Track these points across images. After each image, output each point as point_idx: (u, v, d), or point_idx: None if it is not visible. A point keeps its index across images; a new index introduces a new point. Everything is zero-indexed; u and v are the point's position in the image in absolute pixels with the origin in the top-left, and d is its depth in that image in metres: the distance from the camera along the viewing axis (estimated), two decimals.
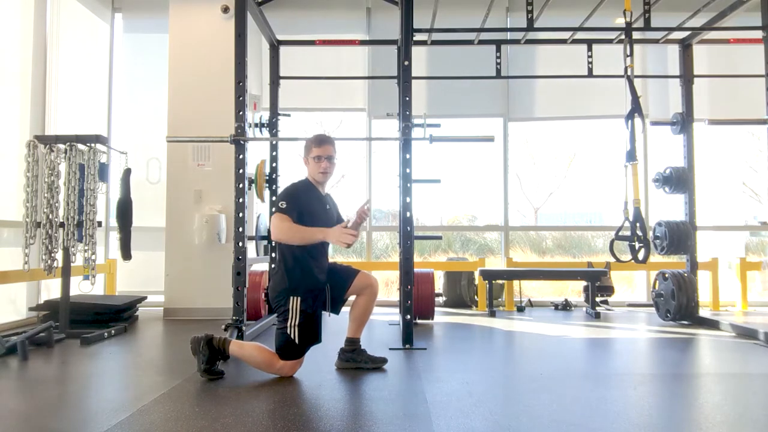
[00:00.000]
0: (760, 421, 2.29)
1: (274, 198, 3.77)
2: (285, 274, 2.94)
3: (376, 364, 3.13)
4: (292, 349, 2.90)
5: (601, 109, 6.27)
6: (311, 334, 2.93)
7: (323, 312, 3.04)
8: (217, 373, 2.91)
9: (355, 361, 3.12)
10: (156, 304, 5.41)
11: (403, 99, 3.90)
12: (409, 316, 3.72)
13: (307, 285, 2.93)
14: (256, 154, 4.81)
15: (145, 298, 5.19)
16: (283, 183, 5.10)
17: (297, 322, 2.87)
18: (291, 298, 2.89)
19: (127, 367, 3.31)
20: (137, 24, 6.15)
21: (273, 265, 3.03)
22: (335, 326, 4.74)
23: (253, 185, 4.56)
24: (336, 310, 3.09)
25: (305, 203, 2.97)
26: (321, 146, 3.05)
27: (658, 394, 2.70)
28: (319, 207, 3.05)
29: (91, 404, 2.57)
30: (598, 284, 5.50)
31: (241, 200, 3.81)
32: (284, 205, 2.89)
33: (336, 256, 7.31)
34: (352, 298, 3.17)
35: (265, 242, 4.80)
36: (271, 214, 2.93)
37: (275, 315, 3.05)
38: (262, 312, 4.78)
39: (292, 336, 2.87)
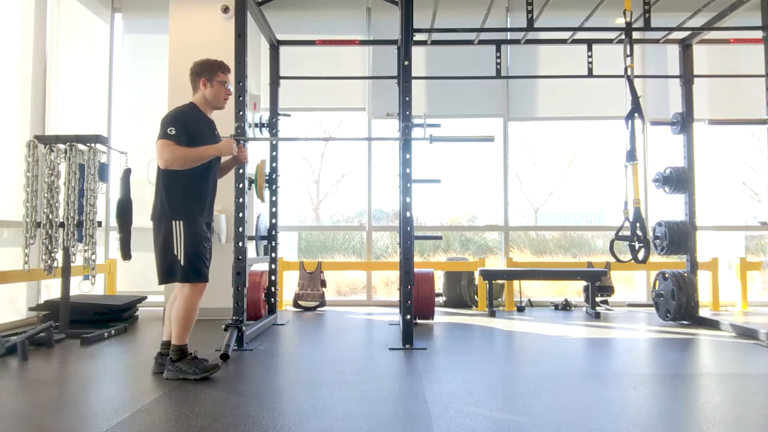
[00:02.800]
0: (760, 421, 2.29)
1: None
2: (165, 199, 2.82)
3: (192, 374, 2.85)
4: (183, 270, 2.80)
5: (601, 109, 6.27)
6: (200, 257, 2.83)
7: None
8: (210, 367, 2.89)
9: (168, 369, 2.87)
10: (156, 304, 5.41)
11: (403, 99, 3.90)
12: (409, 316, 3.72)
13: (190, 210, 2.85)
14: (256, 154, 4.80)
15: (145, 298, 5.19)
16: (284, 183, 5.11)
17: (183, 243, 2.78)
18: (174, 222, 2.80)
19: (127, 367, 3.31)
20: (137, 24, 6.15)
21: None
22: (336, 326, 4.75)
23: (253, 185, 4.56)
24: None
25: (194, 128, 2.87)
26: (228, 72, 3.05)
27: (658, 394, 2.70)
28: (206, 130, 2.98)
29: (91, 404, 2.57)
30: (598, 284, 5.50)
31: (241, 200, 3.81)
32: (173, 131, 2.77)
33: (336, 255, 7.32)
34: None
35: (265, 242, 4.80)
36: (156, 141, 2.80)
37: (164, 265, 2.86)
38: (262, 312, 4.78)
39: (179, 257, 2.78)
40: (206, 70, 3.02)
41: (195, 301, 2.89)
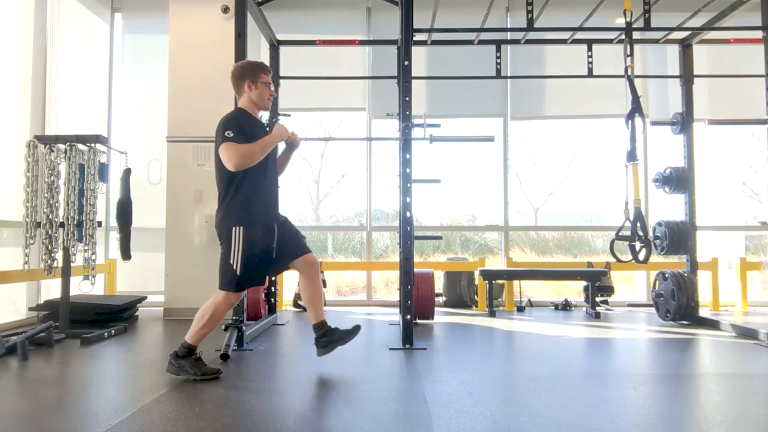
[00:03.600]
0: (760, 421, 2.29)
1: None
2: (228, 206, 2.86)
3: (351, 335, 3.06)
4: (233, 280, 2.82)
5: (601, 109, 6.27)
6: (254, 267, 2.85)
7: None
8: (211, 371, 2.89)
9: (332, 342, 3.06)
10: (156, 304, 5.41)
11: (403, 99, 3.90)
12: (409, 316, 3.72)
13: (251, 217, 2.85)
14: None
15: (145, 298, 5.19)
16: (284, 183, 5.09)
17: (240, 251, 2.79)
18: (235, 228, 2.82)
19: (127, 367, 3.31)
20: (137, 24, 6.15)
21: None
22: (335, 325, 4.73)
23: None
24: (275, 270, 3.04)
25: (248, 129, 2.88)
26: (270, 73, 3.06)
27: (658, 394, 2.70)
28: (260, 132, 2.99)
29: (91, 404, 2.57)
30: (598, 284, 5.50)
31: None
32: (231, 134, 2.78)
33: (337, 256, 7.32)
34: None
35: None
36: (216, 147, 2.83)
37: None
38: (262, 312, 4.78)
39: (234, 266, 2.80)
40: (249, 73, 3.02)
41: (225, 308, 2.91)
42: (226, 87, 4.23)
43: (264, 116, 4.94)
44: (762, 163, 6.92)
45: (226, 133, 2.79)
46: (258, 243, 2.85)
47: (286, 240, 3.01)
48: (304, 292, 3.08)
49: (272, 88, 3.09)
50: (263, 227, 2.89)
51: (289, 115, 5.09)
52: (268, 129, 3.09)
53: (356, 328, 3.11)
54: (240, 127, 2.85)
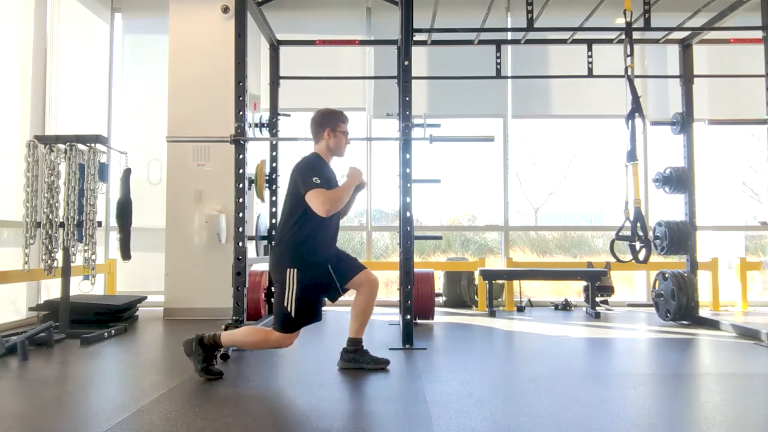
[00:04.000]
0: (760, 421, 2.29)
1: (296, 179, 3.07)
2: (287, 247, 2.89)
3: (379, 365, 3.11)
4: (288, 323, 2.85)
5: (601, 109, 6.27)
6: (309, 309, 2.87)
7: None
8: (215, 372, 2.90)
9: (357, 362, 3.10)
10: (156, 304, 5.41)
11: (403, 99, 3.90)
12: (409, 316, 3.72)
13: (307, 259, 2.88)
14: (256, 154, 4.80)
15: (145, 298, 5.19)
16: (283, 183, 5.10)
17: (294, 295, 2.82)
18: (289, 270, 2.84)
19: (127, 367, 3.31)
20: (137, 24, 6.15)
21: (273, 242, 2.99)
22: (336, 326, 4.74)
23: (253, 185, 4.56)
24: (333, 296, 3.05)
25: (326, 175, 2.96)
26: (348, 122, 3.15)
27: (658, 394, 2.70)
28: (333, 182, 3.06)
29: (91, 404, 2.57)
30: (598, 284, 5.50)
31: (241, 200, 3.80)
32: (318, 180, 2.85)
33: None
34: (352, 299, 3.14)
35: (265, 242, 4.80)
36: (303, 191, 2.85)
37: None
38: (262, 312, 4.78)
39: (288, 309, 2.82)
40: (329, 121, 3.09)
41: (276, 345, 2.91)
42: (225, 87, 4.26)
43: (265, 116, 4.94)
44: (762, 163, 6.92)
45: (313, 180, 2.85)
46: (313, 286, 2.89)
47: (340, 266, 3.02)
48: (358, 303, 3.08)
49: (349, 136, 3.17)
50: (318, 267, 2.92)
51: (289, 115, 5.09)
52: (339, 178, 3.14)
53: (386, 361, 3.15)
54: (321, 172, 2.93)
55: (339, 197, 2.88)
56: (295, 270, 2.84)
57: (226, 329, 3.60)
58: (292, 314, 2.83)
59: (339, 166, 3.26)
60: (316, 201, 2.83)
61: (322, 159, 3.07)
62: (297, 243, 2.88)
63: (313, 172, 2.89)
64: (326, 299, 3.09)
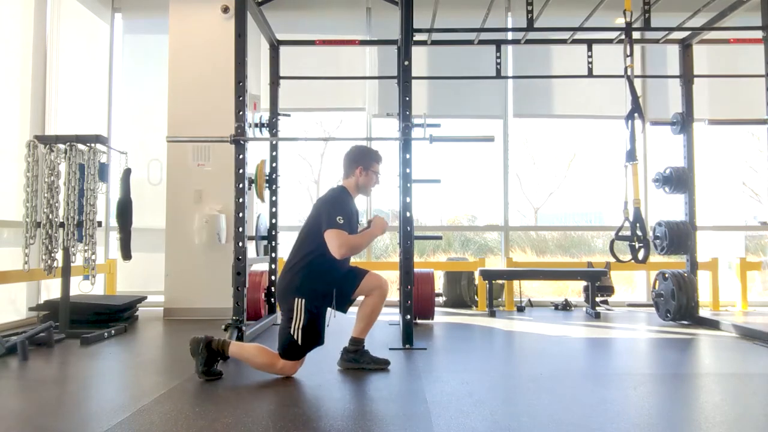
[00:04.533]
0: (760, 421, 2.29)
1: (321, 211, 3.04)
2: (295, 275, 2.91)
3: (379, 366, 3.12)
4: (294, 350, 2.88)
5: (601, 109, 6.27)
6: (314, 336, 2.90)
7: (329, 310, 3.01)
8: (215, 373, 2.90)
9: (358, 362, 3.11)
10: (156, 304, 5.41)
11: (403, 99, 3.90)
12: (409, 316, 3.72)
13: (315, 287, 2.90)
14: (256, 154, 4.81)
15: (145, 298, 5.19)
16: (284, 183, 5.10)
17: (301, 324, 2.84)
18: (297, 299, 2.87)
19: (127, 367, 3.31)
20: (137, 24, 6.15)
21: (284, 266, 3.01)
22: (337, 326, 4.73)
23: (253, 185, 4.56)
24: (342, 308, 3.06)
25: (348, 216, 2.96)
26: (381, 162, 3.19)
27: (658, 394, 2.70)
28: (354, 217, 3.08)
29: (91, 404, 2.57)
30: (598, 284, 5.50)
31: (241, 200, 3.81)
32: (341, 221, 2.86)
33: None
34: (360, 298, 3.14)
35: (265, 242, 4.80)
36: (324, 227, 2.86)
37: (280, 314, 3.03)
38: (262, 312, 4.78)
39: (295, 337, 2.85)
40: (363, 159, 3.13)
41: (281, 373, 2.92)
42: (225, 87, 4.26)
43: (265, 116, 4.94)
44: (762, 163, 6.92)
45: (338, 219, 2.85)
46: (319, 315, 2.90)
47: (343, 282, 3.03)
48: (367, 308, 3.09)
49: (379, 177, 3.19)
50: (325, 297, 2.93)
51: (289, 115, 5.09)
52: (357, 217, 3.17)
53: (387, 362, 3.16)
54: (346, 213, 2.92)
55: (358, 245, 2.92)
56: (303, 300, 2.86)
57: (225, 329, 3.61)
58: (299, 342, 2.85)
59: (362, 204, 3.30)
60: (334, 242, 2.83)
61: (348, 194, 3.09)
62: (308, 274, 2.89)
63: (339, 210, 2.90)
64: (337, 312, 3.07)
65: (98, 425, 2.16)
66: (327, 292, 2.95)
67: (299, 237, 3.01)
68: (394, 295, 6.42)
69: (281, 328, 2.92)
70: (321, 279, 2.92)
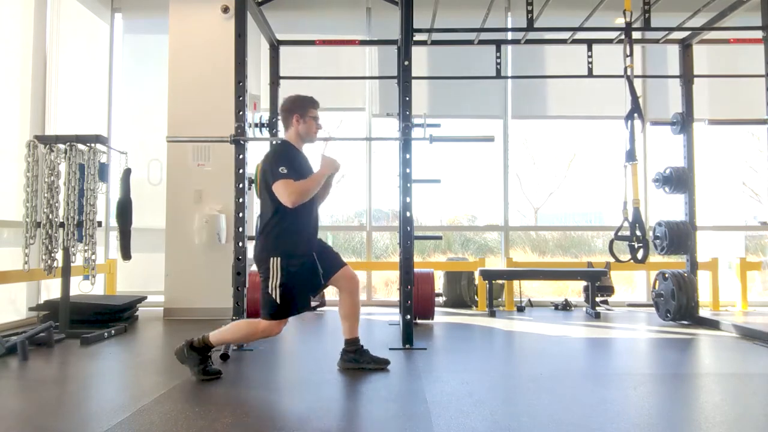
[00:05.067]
0: (760, 421, 2.29)
1: (265, 169, 3.05)
2: (268, 238, 2.87)
3: (379, 365, 3.11)
4: (273, 310, 2.82)
5: (601, 109, 6.27)
6: (294, 295, 2.85)
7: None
8: (213, 373, 2.89)
9: (358, 362, 3.10)
10: (156, 304, 5.41)
11: (403, 99, 3.90)
12: (409, 316, 3.72)
13: (289, 247, 2.85)
14: (256, 154, 4.80)
15: (145, 298, 5.19)
16: None
17: (278, 282, 2.79)
18: (272, 258, 2.82)
19: (127, 367, 3.31)
20: (137, 24, 6.15)
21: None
22: (336, 326, 4.74)
23: (253, 185, 4.55)
24: (314, 290, 3.02)
25: (298, 166, 2.91)
26: (317, 107, 3.13)
27: (658, 394, 2.70)
28: (306, 165, 3.03)
29: (91, 404, 2.57)
30: (598, 284, 5.49)
31: (241, 200, 3.81)
32: (285, 170, 2.81)
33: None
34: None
35: None
36: (270, 182, 2.83)
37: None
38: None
39: (273, 295, 2.80)
40: (298, 107, 3.08)
41: (264, 334, 2.88)
42: (226, 87, 4.26)
43: (265, 116, 4.94)
44: (762, 163, 6.92)
45: (280, 170, 2.82)
46: (297, 274, 2.86)
47: (322, 260, 3.01)
48: (344, 306, 3.08)
49: (320, 122, 3.13)
50: (302, 257, 2.90)
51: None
52: (311, 165, 3.11)
53: (386, 361, 3.14)
54: (290, 162, 2.89)
55: (306, 189, 2.84)
56: (279, 258, 2.82)
57: None
58: (277, 300, 2.79)
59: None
60: (283, 192, 2.79)
61: (292, 146, 3.03)
62: (279, 234, 2.85)
63: (280, 161, 2.85)
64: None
65: (98, 425, 2.16)
66: (305, 254, 2.90)
67: (261, 203, 2.96)
68: (394, 295, 6.45)
69: (261, 293, 2.86)
70: (294, 239, 2.87)
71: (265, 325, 2.84)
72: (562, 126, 7.20)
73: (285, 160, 2.88)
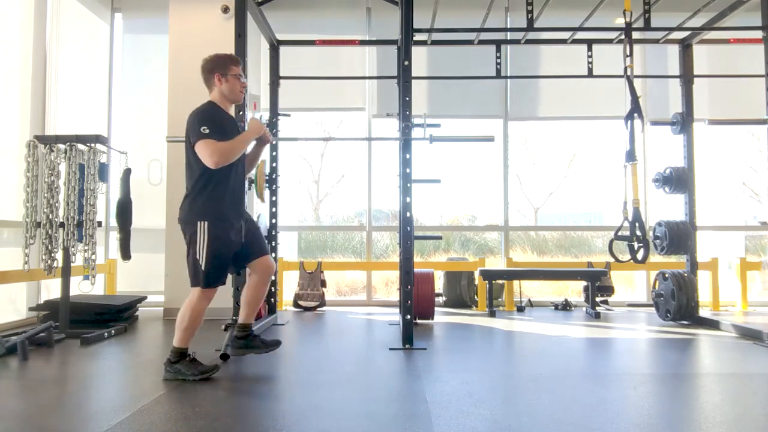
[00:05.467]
0: (760, 421, 2.29)
1: (187, 129, 2.96)
2: (194, 201, 2.83)
3: (270, 348, 3.09)
4: (201, 276, 2.78)
5: (601, 109, 6.27)
6: (221, 262, 2.82)
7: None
8: (209, 369, 2.87)
9: (249, 347, 3.07)
10: (156, 304, 5.41)
11: (403, 99, 3.90)
12: (409, 316, 3.72)
13: (217, 212, 2.82)
14: None
15: (145, 298, 5.19)
16: (284, 183, 5.11)
17: (206, 246, 2.76)
18: (199, 222, 2.79)
19: (127, 367, 3.31)
20: (137, 24, 6.15)
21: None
22: (335, 326, 4.75)
23: (253, 185, 4.56)
24: (238, 264, 3.01)
25: (222, 127, 2.86)
26: (239, 64, 3.03)
27: (658, 394, 2.70)
28: (231, 126, 2.99)
29: (91, 404, 2.57)
30: (598, 284, 5.50)
31: None
32: (207, 130, 2.76)
33: (336, 256, 7.32)
34: None
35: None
36: (192, 142, 2.78)
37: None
38: (262, 312, 4.77)
39: (200, 261, 2.77)
40: (219, 66, 3.00)
41: (202, 307, 2.86)
42: None
43: (265, 116, 4.94)
44: (762, 163, 6.92)
45: (201, 129, 2.76)
46: (223, 238, 2.82)
47: (249, 238, 3.00)
48: (250, 290, 3.03)
49: (244, 80, 3.05)
50: (229, 223, 2.86)
51: (288, 115, 5.09)
52: (240, 126, 3.09)
53: (277, 343, 3.13)
54: (214, 122, 2.83)
55: (230, 149, 2.78)
56: (206, 222, 2.78)
57: (225, 329, 3.61)
58: (203, 267, 2.77)
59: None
60: (204, 152, 2.75)
61: (216, 106, 2.96)
62: (204, 197, 2.82)
63: (202, 121, 2.80)
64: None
65: (98, 425, 2.16)
66: (232, 220, 2.87)
67: (186, 165, 2.90)
68: (394, 295, 6.45)
69: (188, 261, 2.82)
70: (221, 203, 2.84)
71: (196, 297, 2.81)
72: (562, 126, 7.20)
73: (208, 120, 2.82)
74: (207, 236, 2.77)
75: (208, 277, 2.80)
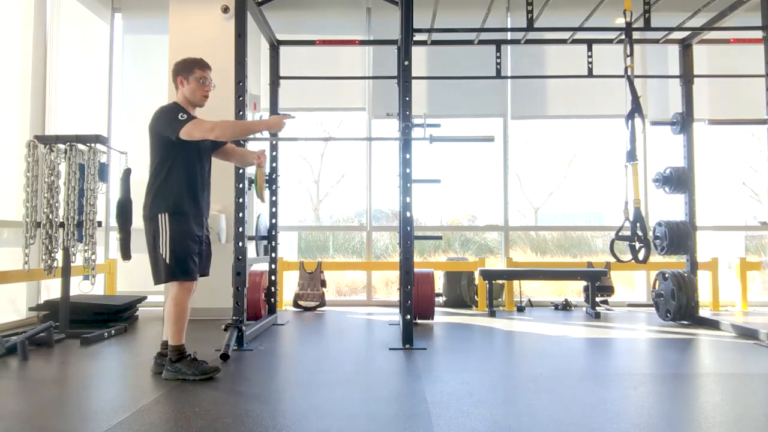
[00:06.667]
0: (760, 421, 2.29)
1: (157, 130, 2.95)
2: (155, 195, 2.82)
3: (207, 374, 2.84)
4: (166, 271, 2.76)
5: (601, 109, 6.27)
6: (185, 256, 2.78)
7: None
8: (210, 370, 2.87)
9: (181, 372, 2.83)
10: (156, 304, 5.41)
11: (403, 99, 3.90)
12: (409, 316, 3.72)
13: (178, 203, 2.82)
14: None
15: (145, 298, 5.19)
16: (284, 183, 5.10)
17: (168, 239, 2.75)
18: (160, 215, 2.78)
19: (127, 367, 3.31)
20: (137, 24, 6.15)
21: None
22: (335, 326, 4.75)
23: (253, 185, 4.55)
24: (198, 262, 2.95)
25: (192, 117, 2.87)
26: (206, 69, 3.04)
27: (658, 394, 2.70)
28: None
29: (91, 404, 2.57)
30: (598, 284, 5.50)
31: (240, 200, 3.81)
32: (185, 116, 2.79)
33: (336, 256, 7.32)
34: None
35: (265, 242, 4.80)
36: (174, 135, 2.77)
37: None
38: (262, 312, 4.78)
39: (164, 255, 2.75)
40: (183, 69, 3.03)
41: (184, 299, 2.85)
42: (226, 87, 4.25)
43: (265, 116, 4.94)
44: (762, 163, 6.92)
45: (180, 116, 2.79)
46: (186, 231, 2.82)
47: (204, 254, 3.02)
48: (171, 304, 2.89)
49: (208, 84, 3.04)
50: (190, 218, 2.87)
51: (293, 117, 5.07)
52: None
53: (214, 370, 2.89)
54: (186, 111, 2.86)
55: (231, 124, 2.83)
56: (167, 215, 2.78)
57: (225, 329, 3.61)
58: (167, 260, 2.75)
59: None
60: (202, 127, 2.76)
61: (182, 108, 2.94)
62: (165, 191, 2.82)
63: (177, 110, 2.83)
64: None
65: (98, 425, 2.16)
66: (194, 215, 2.87)
67: (150, 167, 2.90)
68: (394, 295, 6.45)
69: (150, 257, 2.79)
70: (182, 196, 2.84)
71: (176, 287, 2.80)
72: (562, 126, 7.21)
73: (181, 109, 2.85)
74: (169, 228, 2.77)
75: (181, 269, 2.78)
